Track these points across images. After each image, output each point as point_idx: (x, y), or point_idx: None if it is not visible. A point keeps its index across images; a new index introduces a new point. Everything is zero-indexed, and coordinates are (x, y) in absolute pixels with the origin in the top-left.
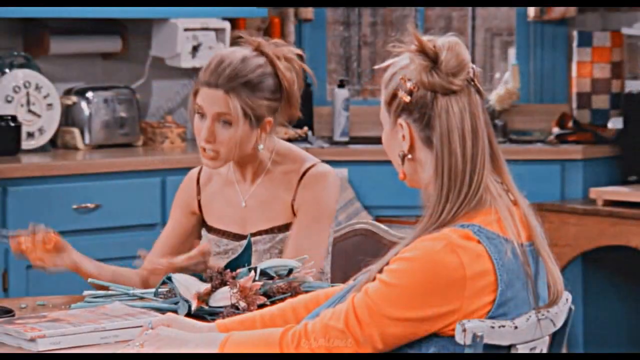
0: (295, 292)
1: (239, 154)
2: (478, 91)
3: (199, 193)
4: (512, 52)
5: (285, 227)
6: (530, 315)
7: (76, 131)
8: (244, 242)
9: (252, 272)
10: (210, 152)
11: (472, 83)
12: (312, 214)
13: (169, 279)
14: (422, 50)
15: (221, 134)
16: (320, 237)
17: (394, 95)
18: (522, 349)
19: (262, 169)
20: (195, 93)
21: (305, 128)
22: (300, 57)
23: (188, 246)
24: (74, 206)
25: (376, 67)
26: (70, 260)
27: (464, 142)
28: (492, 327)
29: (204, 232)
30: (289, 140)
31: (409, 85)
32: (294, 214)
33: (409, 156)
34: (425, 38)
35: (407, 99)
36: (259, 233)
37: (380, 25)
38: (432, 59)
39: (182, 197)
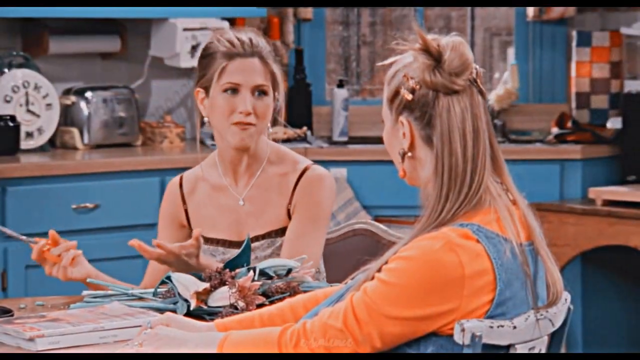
0: (293, 292)
1: (262, 130)
2: (480, 92)
3: (184, 202)
4: (511, 52)
5: (283, 231)
6: (529, 315)
7: (75, 131)
8: (243, 244)
9: (251, 272)
10: (243, 125)
11: (475, 83)
12: (307, 215)
13: (168, 278)
14: (425, 49)
15: (259, 106)
16: (316, 238)
17: (396, 93)
18: (520, 349)
19: (256, 168)
20: (221, 72)
21: (304, 128)
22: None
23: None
24: (73, 206)
25: (379, 64)
26: (83, 274)
27: (465, 142)
28: (491, 327)
29: None
30: (288, 140)
31: (411, 83)
32: (290, 218)
33: (409, 154)
34: (429, 37)
35: (409, 97)
36: (257, 238)
37: (380, 25)
38: (436, 58)
39: (167, 210)
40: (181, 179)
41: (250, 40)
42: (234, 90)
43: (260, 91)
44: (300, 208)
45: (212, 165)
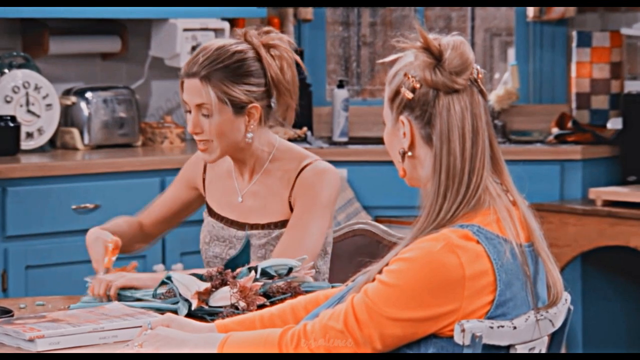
0: (294, 292)
1: (229, 143)
2: (481, 92)
3: (204, 171)
4: (511, 52)
5: (282, 224)
6: (529, 316)
7: (75, 131)
8: (242, 239)
9: (253, 272)
10: (201, 145)
11: (476, 83)
12: (303, 206)
13: (169, 279)
14: (426, 48)
15: (206, 124)
16: (311, 228)
17: (396, 92)
18: (521, 349)
19: (260, 166)
20: (182, 86)
21: (305, 128)
22: (289, 43)
23: (180, 218)
24: (73, 206)
25: (380, 61)
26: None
27: (464, 141)
28: (491, 328)
29: (205, 214)
30: (288, 140)
31: (412, 82)
32: (292, 211)
33: (409, 153)
34: (430, 36)
35: (410, 95)
36: (256, 227)
37: (380, 26)
38: (436, 57)
39: (188, 170)
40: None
41: (201, 56)
42: (188, 108)
43: (204, 110)
44: (298, 200)
45: None
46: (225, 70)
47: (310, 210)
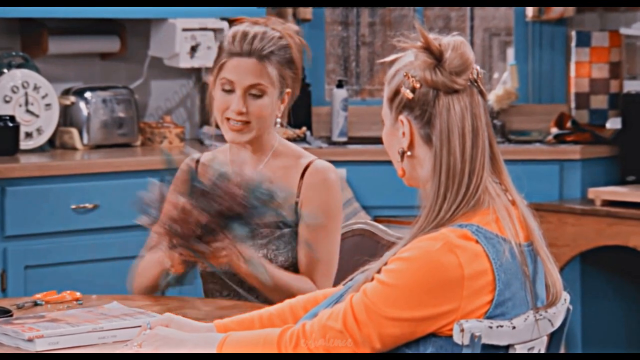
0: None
1: (264, 126)
2: (481, 92)
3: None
4: (510, 52)
5: (284, 224)
6: (528, 316)
7: (74, 131)
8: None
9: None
10: (237, 124)
11: (475, 84)
12: (321, 211)
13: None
14: (427, 48)
15: (253, 105)
16: (332, 240)
17: (396, 92)
18: (520, 349)
19: (261, 159)
20: (221, 68)
21: (304, 128)
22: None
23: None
24: (73, 206)
25: (380, 61)
26: None
27: (464, 141)
28: (490, 327)
29: None
30: (287, 140)
31: (412, 81)
32: (296, 211)
33: (409, 153)
34: (430, 36)
35: (410, 95)
36: (258, 225)
37: (379, 25)
38: (437, 57)
39: (177, 189)
40: (198, 160)
41: (252, 37)
42: (230, 88)
43: (255, 91)
44: (311, 205)
45: (223, 152)
46: (279, 53)
47: (328, 222)
